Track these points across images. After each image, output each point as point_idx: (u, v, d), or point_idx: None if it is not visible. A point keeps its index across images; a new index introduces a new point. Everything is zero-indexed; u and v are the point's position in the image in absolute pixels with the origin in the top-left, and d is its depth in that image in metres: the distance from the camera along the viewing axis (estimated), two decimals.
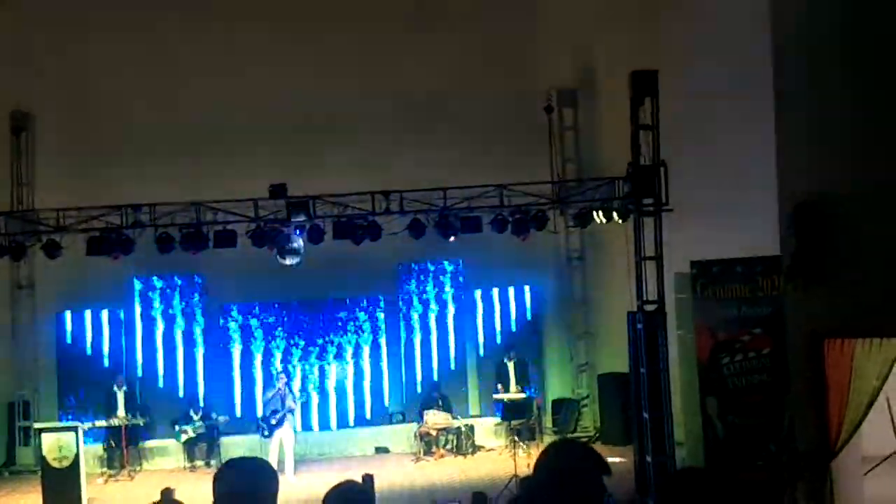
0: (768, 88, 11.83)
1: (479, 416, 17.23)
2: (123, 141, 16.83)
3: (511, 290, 17.64)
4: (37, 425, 15.17)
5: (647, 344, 12.39)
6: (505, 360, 16.87)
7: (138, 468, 15.87)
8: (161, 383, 16.86)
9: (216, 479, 3.40)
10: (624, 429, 15.51)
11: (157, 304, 16.96)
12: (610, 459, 3.49)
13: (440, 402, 16.35)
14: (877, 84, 9.90)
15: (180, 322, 16.99)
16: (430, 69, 17.15)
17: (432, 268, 17.43)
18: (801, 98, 11.20)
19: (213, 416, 16.09)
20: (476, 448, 16.28)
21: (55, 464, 13.42)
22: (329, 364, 17.22)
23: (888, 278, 10.20)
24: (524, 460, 13.53)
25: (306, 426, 16.71)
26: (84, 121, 16.96)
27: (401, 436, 16.84)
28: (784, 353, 12.25)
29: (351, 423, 17.15)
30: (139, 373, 16.80)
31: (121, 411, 15.59)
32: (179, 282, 16.92)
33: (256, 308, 17.10)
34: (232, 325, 17.06)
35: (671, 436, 12.46)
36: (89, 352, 16.76)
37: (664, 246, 12.46)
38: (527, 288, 17.64)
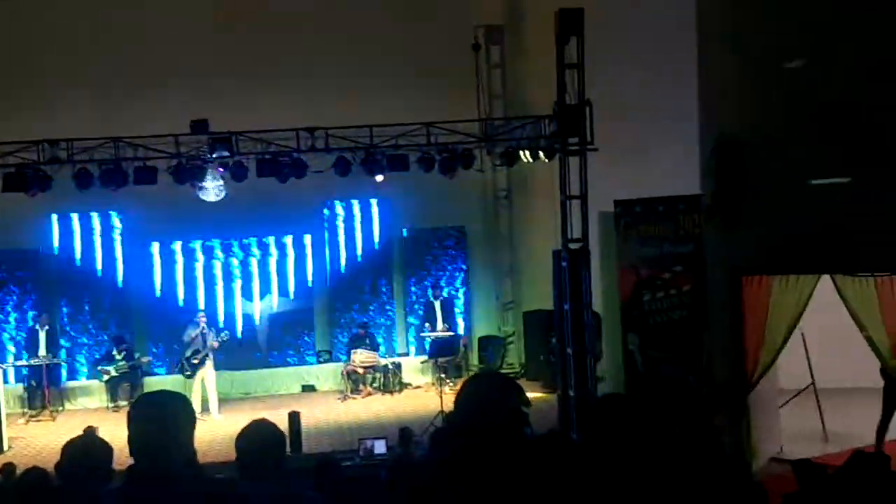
0: (691, 31, 11.94)
1: (406, 355, 17.33)
2: (41, 74, 16.32)
3: (437, 229, 17.64)
4: None
5: (572, 281, 12.53)
6: (432, 299, 16.96)
7: (60, 408, 15.69)
8: (85, 322, 16.61)
9: (130, 414, 3.38)
10: (548, 365, 15.72)
11: (76, 241, 16.63)
12: (532, 395, 3.54)
13: (367, 341, 16.40)
14: (797, 26, 10.04)
15: (100, 259, 16.68)
16: (355, 5, 16.91)
17: (359, 207, 17.35)
18: (724, 40, 11.33)
19: (136, 356, 15.93)
20: (403, 386, 16.38)
21: None
22: (253, 302, 17.12)
23: (804, 216, 10.46)
24: (450, 397, 13.62)
25: (230, 366, 16.53)
26: None
27: (327, 374, 16.88)
28: (704, 290, 12.53)
29: (276, 362, 17.10)
30: (62, 311, 16.54)
31: (42, 350, 15.36)
32: (99, 219, 16.59)
33: (178, 245, 16.86)
34: (154, 262, 16.82)
35: (594, 371, 12.67)
36: (10, 291, 16.42)
37: (589, 185, 12.55)
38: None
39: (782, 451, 12.12)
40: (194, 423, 3.38)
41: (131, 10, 16.35)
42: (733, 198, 11.24)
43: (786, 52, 10.01)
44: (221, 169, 13.11)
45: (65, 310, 16.56)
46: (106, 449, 4.48)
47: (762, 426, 11.96)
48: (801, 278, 11.42)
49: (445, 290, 17.26)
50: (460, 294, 17.72)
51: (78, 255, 16.60)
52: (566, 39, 12.18)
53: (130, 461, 3.35)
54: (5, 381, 14.52)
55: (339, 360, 16.85)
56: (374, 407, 15.41)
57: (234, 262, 17.06)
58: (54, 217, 16.36)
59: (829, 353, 12.82)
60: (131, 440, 3.29)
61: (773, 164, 10.86)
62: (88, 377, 16.34)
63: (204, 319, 15.11)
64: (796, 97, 10.28)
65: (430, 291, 17.17)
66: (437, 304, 16.84)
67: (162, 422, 3.25)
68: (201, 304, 16.49)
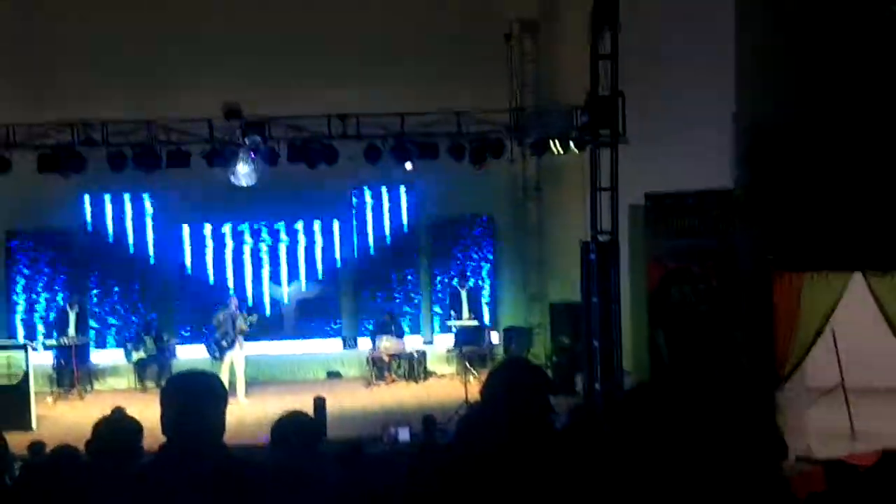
0: (729, 22, 11.84)
1: (431, 343, 17.33)
2: (76, 57, 16.40)
3: (465, 218, 17.61)
4: None
5: (600, 274, 12.49)
6: (458, 288, 16.95)
7: (89, 388, 15.82)
8: (114, 303, 16.74)
9: (163, 392, 3.40)
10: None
11: (107, 222, 16.73)
12: None
13: (393, 328, 16.42)
14: (834, 19, 9.94)
15: (131, 241, 16.78)
16: None
17: (388, 194, 17.35)
18: (759, 32, 11.23)
19: (165, 337, 16.04)
20: (427, 374, 16.40)
21: (3, 380, 13.38)
22: (281, 286, 17.17)
23: (837, 213, 10.36)
24: (475, 386, 13.65)
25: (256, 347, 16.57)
26: (36, 34, 16.49)
27: (353, 361, 16.92)
28: (733, 285, 12.45)
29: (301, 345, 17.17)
30: (92, 292, 16.67)
31: (72, 331, 15.48)
32: (131, 201, 16.68)
33: (209, 229, 16.94)
34: (184, 245, 16.90)
35: (620, 364, 12.63)
36: (41, 270, 16.57)
37: (619, 177, 12.49)
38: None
39: (810, 450, 12.03)
40: (226, 402, 3.40)
41: None
42: (765, 192, 11.16)
43: (829, 40, 9.92)
44: (253, 154, 13.17)
45: (94, 290, 16.68)
46: (136, 427, 4.52)
47: (791, 424, 11.87)
48: (833, 275, 11.31)
49: (472, 279, 17.25)
50: (486, 284, 17.69)
51: (109, 236, 16.71)
52: (600, 30, 12.12)
53: (158, 441, 3.37)
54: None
55: (355, 346, 16.84)
56: (399, 394, 15.44)
57: (264, 246, 17.12)
58: (87, 198, 16.48)
59: (859, 351, 12.69)
60: (164, 418, 3.30)
61: (807, 158, 10.77)
62: (117, 345, 16.38)
63: (235, 303, 15.17)
64: (832, 90, 10.18)
65: (456, 280, 17.16)
66: (464, 294, 16.82)
67: (195, 400, 3.26)
68: (231, 288, 16.57)
